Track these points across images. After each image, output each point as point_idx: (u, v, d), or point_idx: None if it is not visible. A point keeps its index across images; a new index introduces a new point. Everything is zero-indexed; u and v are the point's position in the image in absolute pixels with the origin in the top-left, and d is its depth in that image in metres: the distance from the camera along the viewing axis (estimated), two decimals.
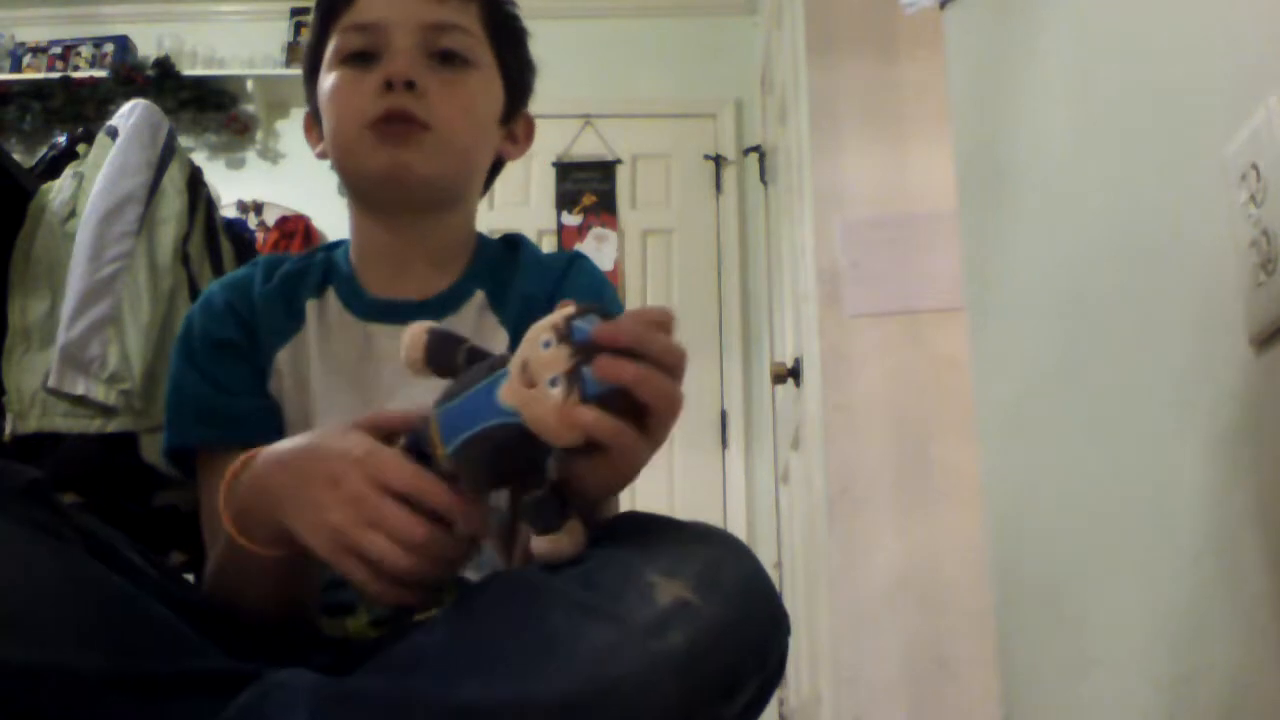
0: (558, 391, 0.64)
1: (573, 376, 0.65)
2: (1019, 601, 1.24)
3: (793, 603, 2.67)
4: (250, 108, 3.97)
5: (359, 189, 1.02)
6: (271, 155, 4.00)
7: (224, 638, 0.74)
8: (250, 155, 4.00)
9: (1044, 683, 1.15)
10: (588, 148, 3.93)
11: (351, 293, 1.02)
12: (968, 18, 1.42)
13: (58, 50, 4.02)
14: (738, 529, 3.52)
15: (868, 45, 2.39)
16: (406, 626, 0.74)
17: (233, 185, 3.76)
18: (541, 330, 0.67)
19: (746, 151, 3.87)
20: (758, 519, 3.56)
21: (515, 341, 0.94)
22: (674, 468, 3.57)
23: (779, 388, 3.06)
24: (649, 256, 3.88)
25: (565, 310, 0.67)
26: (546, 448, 0.67)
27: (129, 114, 1.71)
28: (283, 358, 0.99)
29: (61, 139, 1.80)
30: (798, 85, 2.58)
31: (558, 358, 0.65)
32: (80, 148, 1.74)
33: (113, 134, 1.70)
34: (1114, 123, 0.97)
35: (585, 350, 0.65)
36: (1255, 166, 0.70)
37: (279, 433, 0.96)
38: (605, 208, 3.89)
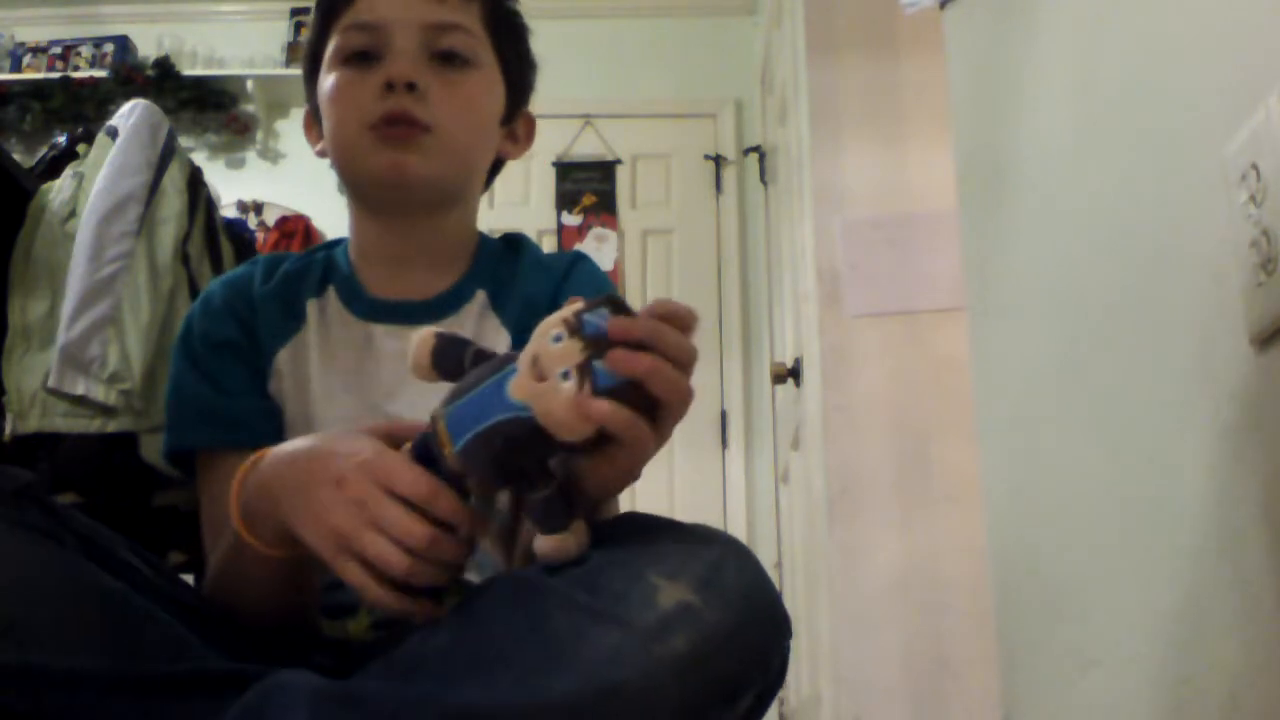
0: (570, 384, 0.64)
1: (584, 369, 0.64)
2: (1019, 601, 1.24)
3: (793, 603, 2.67)
4: (250, 108, 3.97)
5: (359, 190, 1.01)
6: (271, 155, 4.00)
7: (224, 639, 0.74)
8: (250, 155, 4.00)
9: (1044, 683, 1.15)
10: (588, 148, 3.93)
11: (352, 292, 1.02)
12: (968, 18, 1.42)
13: (58, 50, 4.02)
14: (738, 529, 3.52)
15: (868, 45, 2.39)
16: (407, 628, 0.74)
17: (233, 185, 3.76)
18: (552, 325, 0.67)
19: (746, 151, 3.87)
20: (758, 519, 3.56)
21: (516, 343, 0.94)
22: (674, 468, 3.57)
23: (779, 388, 3.06)
24: (649, 256, 3.88)
25: (575, 305, 0.67)
26: (554, 444, 0.66)
27: (129, 114, 1.71)
28: (283, 358, 0.99)
29: (61, 139, 1.80)
30: (798, 85, 2.58)
31: (569, 351, 0.65)
32: (80, 148, 1.74)
33: (113, 134, 1.70)
34: (1114, 123, 0.97)
35: (597, 343, 0.65)
36: (1255, 166, 0.70)
37: (279, 434, 0.96)
38: (605, 208, 3.89)
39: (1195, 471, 0.81)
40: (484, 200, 1.10)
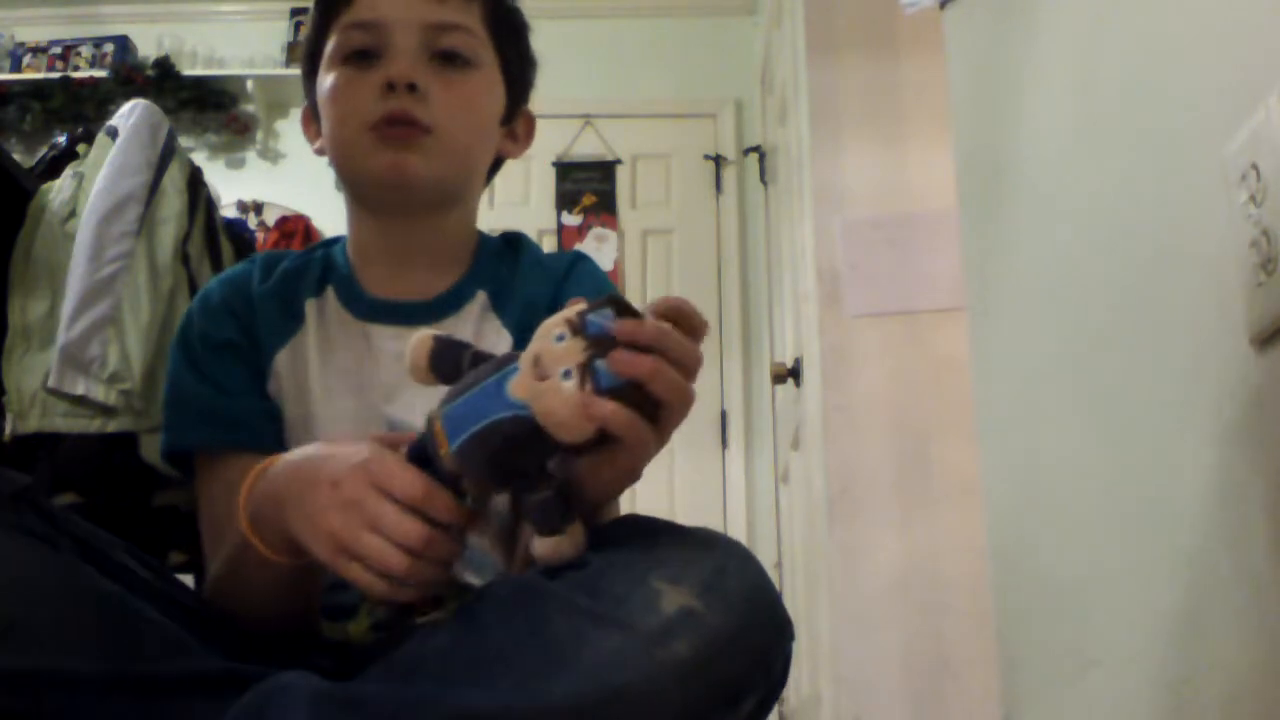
0: (571, 384, 0.64)
1: (586, 369, 0.64)
2: (1019, 601, 1.24)
3: (793, 603, 2.67)
4: (250, 108, 3.97)
5: (359, 190, 1.01)
6: (271, 155, 4.00)
7: (223, 641, 0.73)
8: (250, 155, 4.00)
9: (1044, 683, 1.15)
10: (588, 148, 3.93)
11: (351, 293, 1.01)
12: (968, 18, 1.41)
13: (58, 50, 4.02)
14: (738, 529, 3.52)
15: (868, 45, 2.39)
16: (408, 631, 0.74)
17: (233, 185, 3.76)
18: (554, 324, 0.67)
19: (746, 151, 3.87)
20: (758, 519, 3.55)
21: (517, 344, 0.94)
22: (674, 468, 3.57)
23: (779, 388, 3.05)
24: (649, 257, 3.88)
25: (579, 305, 0.67)
26: (553, 445, 0.66)
27: (129, 114, 1.71)
28: (282, 359, 0.98)
29: (61, 139, 1.80)
30: (798, 85, 2.58)
31: (572, 350, 0.65)
32: (80, 148, 1.74)
33: (113, 134, 1.70)
34: (1114, 123, 0.97)
35: (600, 343, 0.65)
36: (1255, 166, 0.70)
37: (278, 434, 0.96)
38: (605, 208, 3.89)
39: (1195, 471, 0.81)
40: (484, 200, 1.10)
